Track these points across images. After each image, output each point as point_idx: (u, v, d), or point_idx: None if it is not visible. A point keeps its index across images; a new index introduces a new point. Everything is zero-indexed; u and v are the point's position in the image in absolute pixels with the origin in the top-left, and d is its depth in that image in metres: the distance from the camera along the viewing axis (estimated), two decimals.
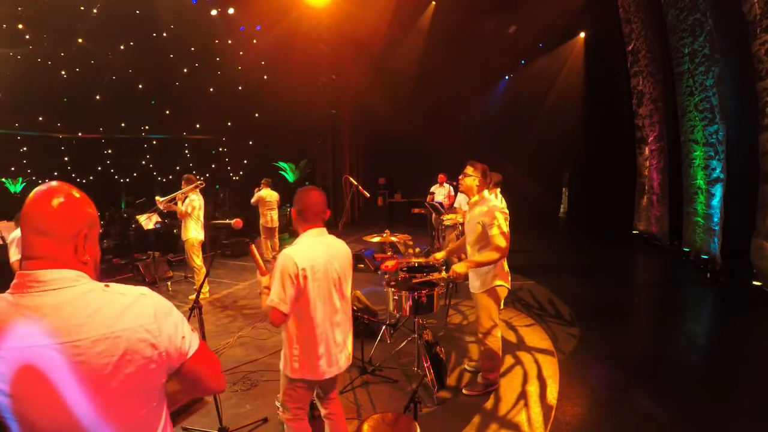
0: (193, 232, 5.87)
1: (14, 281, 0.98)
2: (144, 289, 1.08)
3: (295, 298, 2.02)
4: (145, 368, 1.00)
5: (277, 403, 2.29)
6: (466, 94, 13.30)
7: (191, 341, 1.12)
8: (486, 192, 3.37)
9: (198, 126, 16.74)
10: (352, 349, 2.34)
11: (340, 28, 11.03)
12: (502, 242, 3.11)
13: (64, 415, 0.94)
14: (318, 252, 2.11)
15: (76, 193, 1.06)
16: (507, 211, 3.28)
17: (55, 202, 1.02)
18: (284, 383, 2.20)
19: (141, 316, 1.01)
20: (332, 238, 2.25)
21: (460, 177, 3.41)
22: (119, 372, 0.96)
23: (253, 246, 2.31)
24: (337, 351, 2.18)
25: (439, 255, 3.67)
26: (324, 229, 2.20)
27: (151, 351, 1.01)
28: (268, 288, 2.06)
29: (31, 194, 1.02)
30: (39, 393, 0.92)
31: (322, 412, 2.37)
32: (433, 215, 7.63)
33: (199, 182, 5.92)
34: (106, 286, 1.04)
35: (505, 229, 3.15)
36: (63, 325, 0.94)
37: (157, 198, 6.14)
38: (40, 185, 1.05)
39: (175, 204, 5.86)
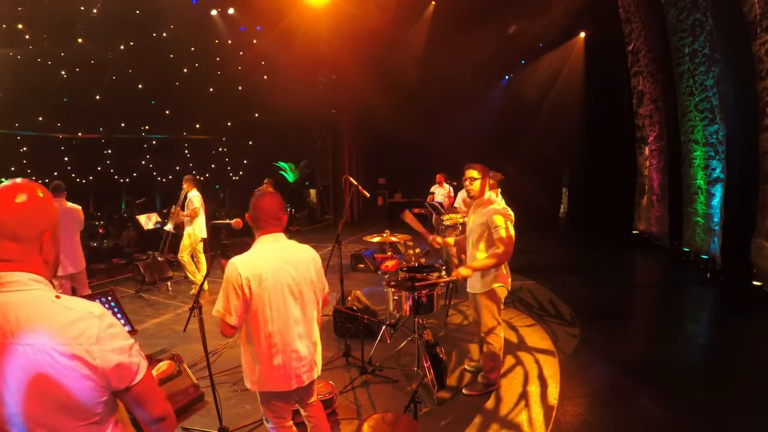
0: (195, 229, 6.01)
1: None
2: (95, 308, 1.04)
3: (242, 308, 1.93)
4: (79, 384, 0.98)
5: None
6: (466, 93, 13.28)
7: (140, 368, 1.08)
8: (490, 193, 3.36)
9: (198, 126, 16.75)
10: (321, 363, 2.21)
11: (340, 28, 11.03)
12: (507, 246, 3.11)
13: None
14: (268, 259, 1.98)
15: (40, 192, 1.06)
16: (511, 213, 3.27)
17: (20, 200, 1.02)
18: (259, 396, 2.13)
19: (83, 335, 0.98)
20: (291, 243, 2.11)
21: (467, 182, 3.30)
22: (53, 384, 0.95)
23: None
24: (300, 365, 2.05)
25: (440, 239, 3.69)
26: (281, 235, 2.07)
27: (87, 370, 0.98)
28: None
29: None
30: None
31: (302, 413, 2.31)
32: (434, 215, 7.63)
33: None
34: (57, 297, 1.02)
35: (512, 232, 3.15)
36: (7, 327, 0.95)
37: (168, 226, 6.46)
38: (1, 183, 1.04)
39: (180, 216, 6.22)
